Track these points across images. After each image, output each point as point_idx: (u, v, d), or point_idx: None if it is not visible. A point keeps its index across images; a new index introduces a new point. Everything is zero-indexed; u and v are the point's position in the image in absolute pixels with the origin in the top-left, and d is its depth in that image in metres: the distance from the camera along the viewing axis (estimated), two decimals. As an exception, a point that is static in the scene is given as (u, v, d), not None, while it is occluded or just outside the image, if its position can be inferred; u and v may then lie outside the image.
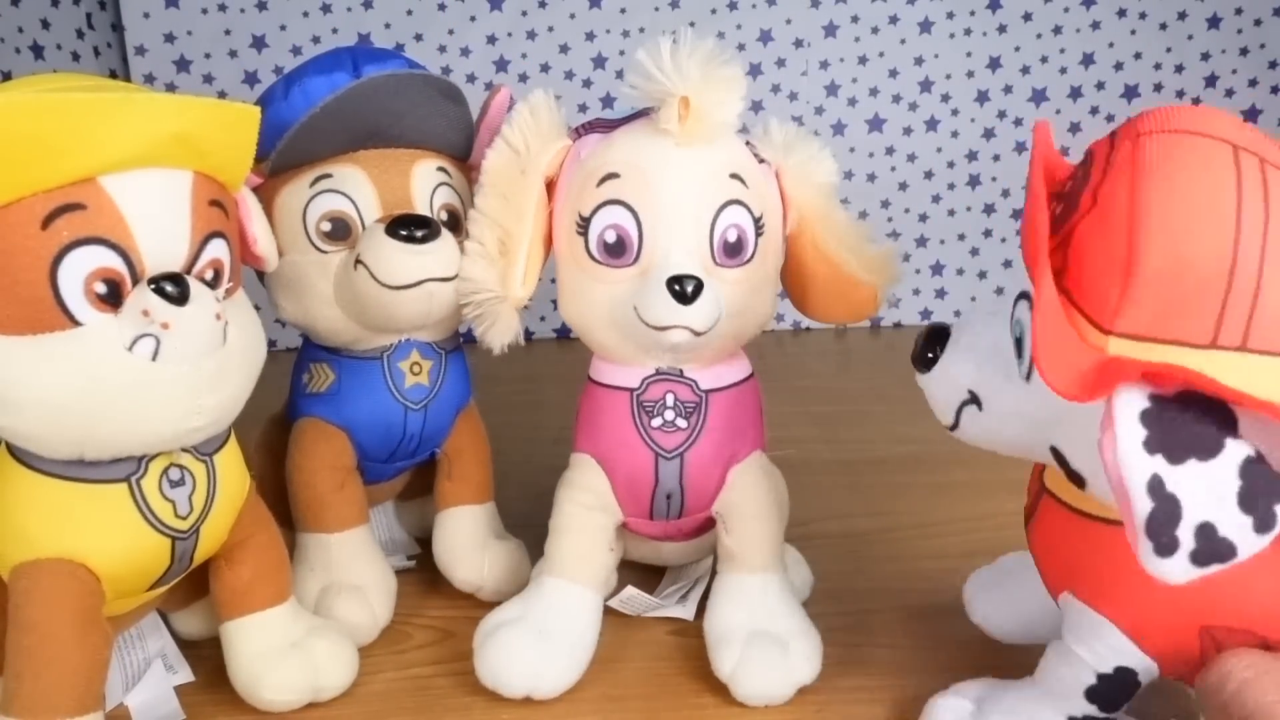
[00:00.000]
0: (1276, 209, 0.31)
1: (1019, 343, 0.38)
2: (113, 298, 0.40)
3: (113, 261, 0.40)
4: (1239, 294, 0.31)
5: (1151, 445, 0.31)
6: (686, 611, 0.58)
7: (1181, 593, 0.35)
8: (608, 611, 0.55)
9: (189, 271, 0.42)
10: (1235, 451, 0.31)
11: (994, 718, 0.43)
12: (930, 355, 0.42)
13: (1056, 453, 0.38)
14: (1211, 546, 0.31)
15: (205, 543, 0.47)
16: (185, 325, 0.40)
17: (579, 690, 0.51)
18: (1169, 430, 0.31)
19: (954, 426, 0.42)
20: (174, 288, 0.40)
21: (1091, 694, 0.41)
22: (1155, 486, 0.30)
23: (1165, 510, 0.30)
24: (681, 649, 0.55)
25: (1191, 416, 0.31)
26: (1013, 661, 0.48)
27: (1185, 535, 0.31)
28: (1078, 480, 0.37)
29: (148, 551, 0.45)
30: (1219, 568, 0.31)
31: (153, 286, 0.40)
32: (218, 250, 0.43)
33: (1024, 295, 0.38)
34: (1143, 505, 0.31)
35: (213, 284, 0.43)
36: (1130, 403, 0.31)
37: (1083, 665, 0.40)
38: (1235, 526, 0.30)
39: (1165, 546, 0.31)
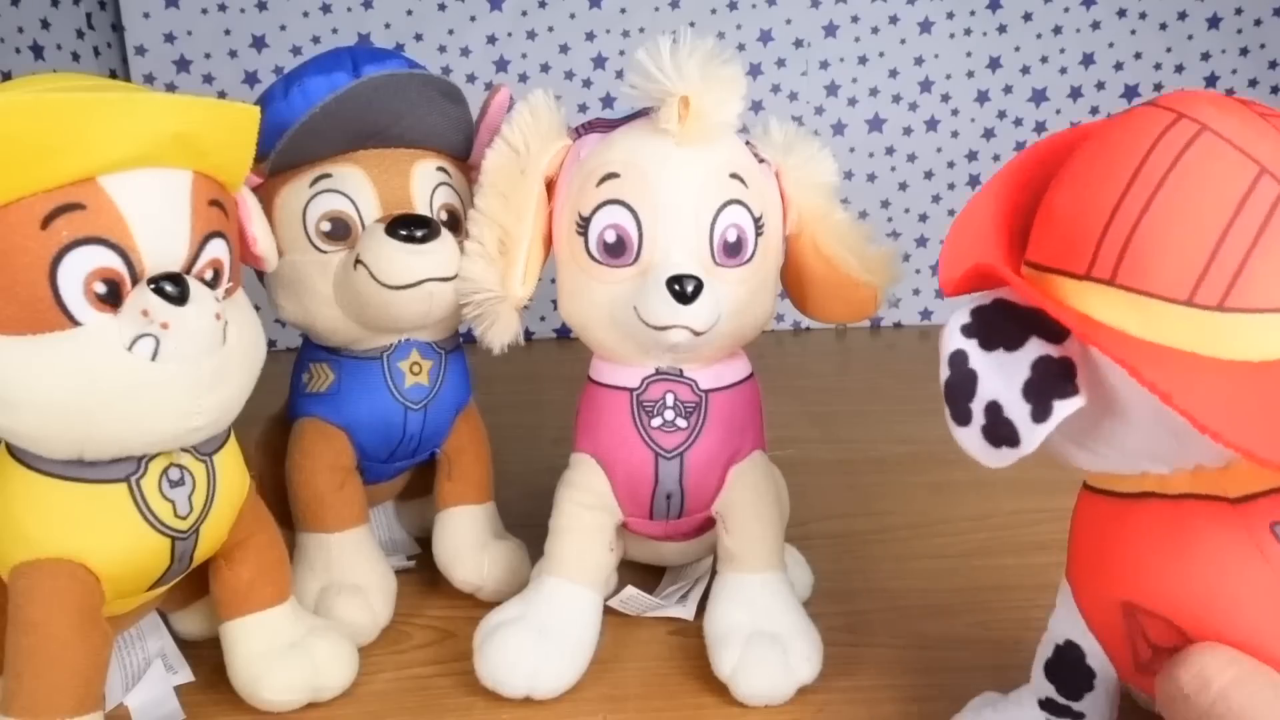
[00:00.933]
0: (1184, 169, 0.33)
1: None
2: (112, 298, 0.40)
3: (112, 261, 0.40)
4: (1116, 231, 0.33)
5: (968, 330, 0.35)
6: (686, 611, 0.58)
7: (1108, 561, 0.37)
8: (608, 611, 0.55)
9: (189, 271, 0.42)
10: (1035, 348, 0.34)
11: (987, 714, 0.44)
12: None
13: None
14: (997, 426, 0.34)
15: (205, 543, 0.47)
16: (185, 325, 0.40)
17: (579, 690, 0.51)
18: (990, 323, 0.35)
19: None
20: (174, 288, 0.40)
21: (1048, 669, 0.41)
22: (957, 360, 0.35)
23: (961, 382, 0.35)
24: (681, 649, 0.55)
25: (1016, 318, 0.35)
26: (1012, 663, 0.48)
27: (977, 410, 0.35)
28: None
29: (147, 551, 0.45)
30: (1012, 453, 0.34)
31: (152, 286, 0.40)
32: (217, 250, 0.43)
33: None
34: (944, 373, 0.35)
35: (213, 284, 0.43)
36: (973, 300, 0.36)
37: (1046, 639, 0.41)
38: (1017, 411, 0.34)
39: (959, 416, 0.35)
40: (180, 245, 0.42)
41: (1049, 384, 0.33)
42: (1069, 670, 0.40)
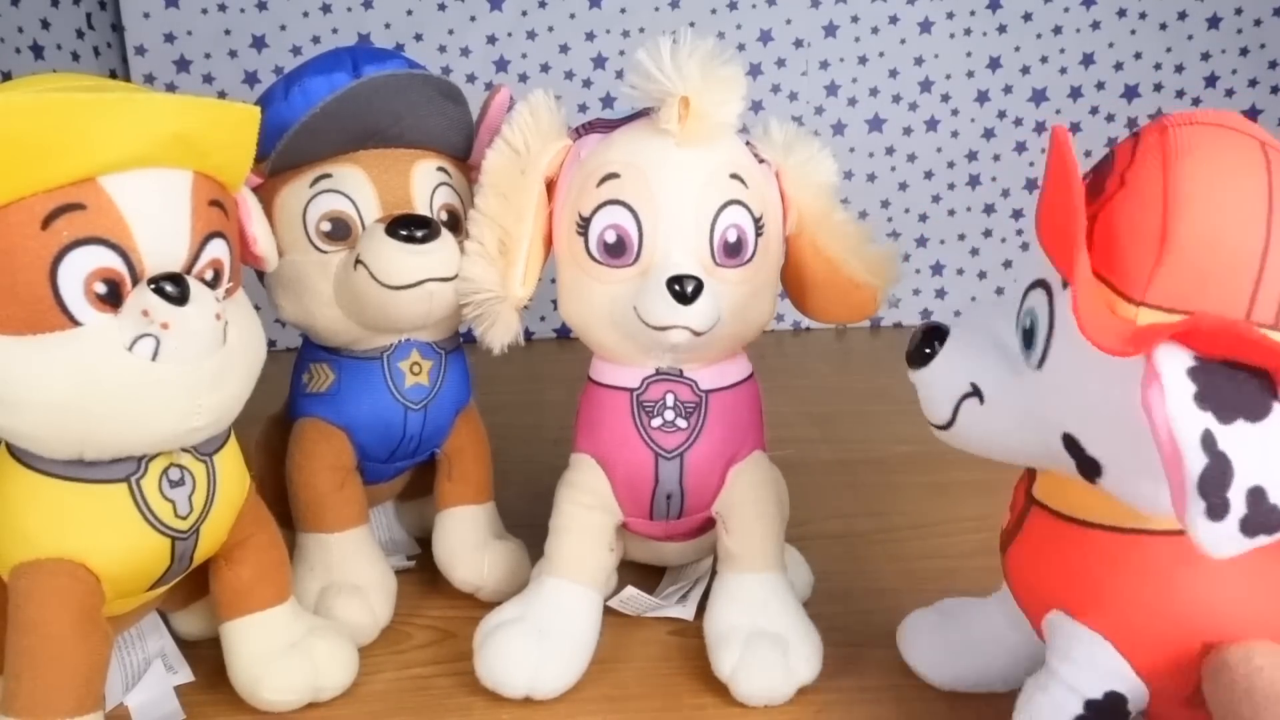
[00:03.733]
0: None
1: (1029, 334, 0.38)
2: (113, 298, 0.40)
3: (112, 261, 0.40)
4: (1273, 271, 0.31)
5: (1202, 401, 0.30)
6: (686, 611, 0.58)
7: (1183, 605, 0.35)
8: (608, 611, 0.55)
9: (189, 271, 0.42)
10: None
11: None
12: (928, 351, 0.41)
13: (1071, 440, 0.36)
14: (1261, 513, 0.29)
15: (205, 543, 0.47)
16: (185, 325, 0.40)
17: (579, 690, 0.51)
18: (1217, 387, 0.30)
19: (949, 424, 0.41)
20: (174, 288, 0.40)
21: None
22: (1208, 442, 0.29)
23: (1218, 468, 0.29)
24: (681, 649, 0.55)
25: (1238, 377, 0.30)
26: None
27: (1236, 498, 0.29)
28: (1093, 469, 0.36)
29: (147, 551, 0.45)
30: (1266, 540, 0.30)
31: (152, 286, 0.40)
32: (218, 250, 0.43)
33: (1038, 284, 0.37)
34: (1196, 461, 0.29)
35: (213, 284, 0.43)
36: (1176, 358, 0.30)
37: (1068, 693, 0.38)
38: None
39: (1216, 509, 0.29)
40: (180, 245, 0.42)
41: None
42: (1110, 718, 0.38)
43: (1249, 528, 0.30)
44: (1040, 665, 0.40)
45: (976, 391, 0.39)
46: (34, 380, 0.39)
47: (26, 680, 0.41)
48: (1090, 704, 0.37)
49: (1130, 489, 0.35)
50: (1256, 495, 0.29)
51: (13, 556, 0.43)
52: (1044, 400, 0.37)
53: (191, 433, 0.43)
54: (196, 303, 0.40)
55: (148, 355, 0.40)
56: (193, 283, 0.41)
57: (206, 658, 0.53)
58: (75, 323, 0.39)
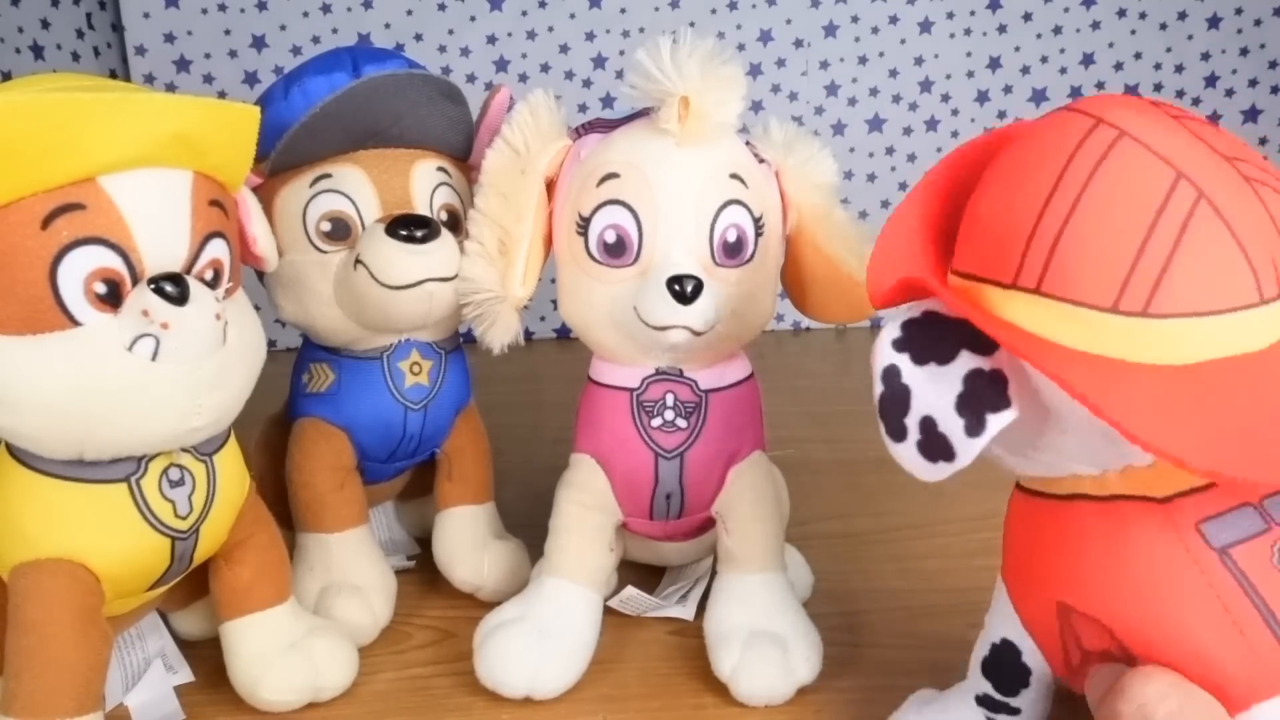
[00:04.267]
0: (1104, 176, 0.33)
1: None
2: (112, 298, 0.40)
3: (112, 261, 0.40)
4: (1041, 239, 0.33)
5: (899, 344, 0.35)
6: (686, 611, 0.58)
7: (1043, 562, 0.37)
8: (608, 611, 0.55)
9: (189, 271, 0.42)
10: (966, 361, 0.34)
11: (927, 713, 0.45)
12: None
13: None
14: (932, 441, 0.34)
15: (205, 543, 0.47)
16: (185, 325, 0.40)
17: (579, 690, 0.51)
18: (921, 336, 0.35)
19: None
20: (174, 288, 0.40)
21: (985, 667, 0.41)
22: (890, 375, 0.35)
23: (895, 397, 0.35)
24: (681, 649, 0.55)
25: (946, 330, 0.35)
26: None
27: (912, 425, 0.35)
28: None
29: (147, 551, 0.45)
30: (948, 467, 0.34)
31: (152, 286, 0.40)
32: (218, 250, 0.43)
33: None
34: (877, 389, 0.36)
35: (213, 284, 0.43)
36: (903, 312, 0.36)
37: (983, 637, 0.42)
38: (951, 426, 0.34)
39: (895, 431, 0.35)
40: (180, 245, 0.42)
41: (981, 397, 0.33)
42: (1006, 668, 0.41)
43: (926, 452, 0.35)
44: None
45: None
46: (34, 380, 0.39)
47: (26, 680, 0.41)
48: (993, 647, 0.41)
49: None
50: (927, 423, 0.34)
51: (13, 556, 0.43)
52: None
53: (191, 433, 0.43)
54: (196, 303, 0.40)
55: (148, 355, 0.40)
56: (193, 283, 0.41)
57: (206, 658, 0.53)
58: (75, 323, 0.39)
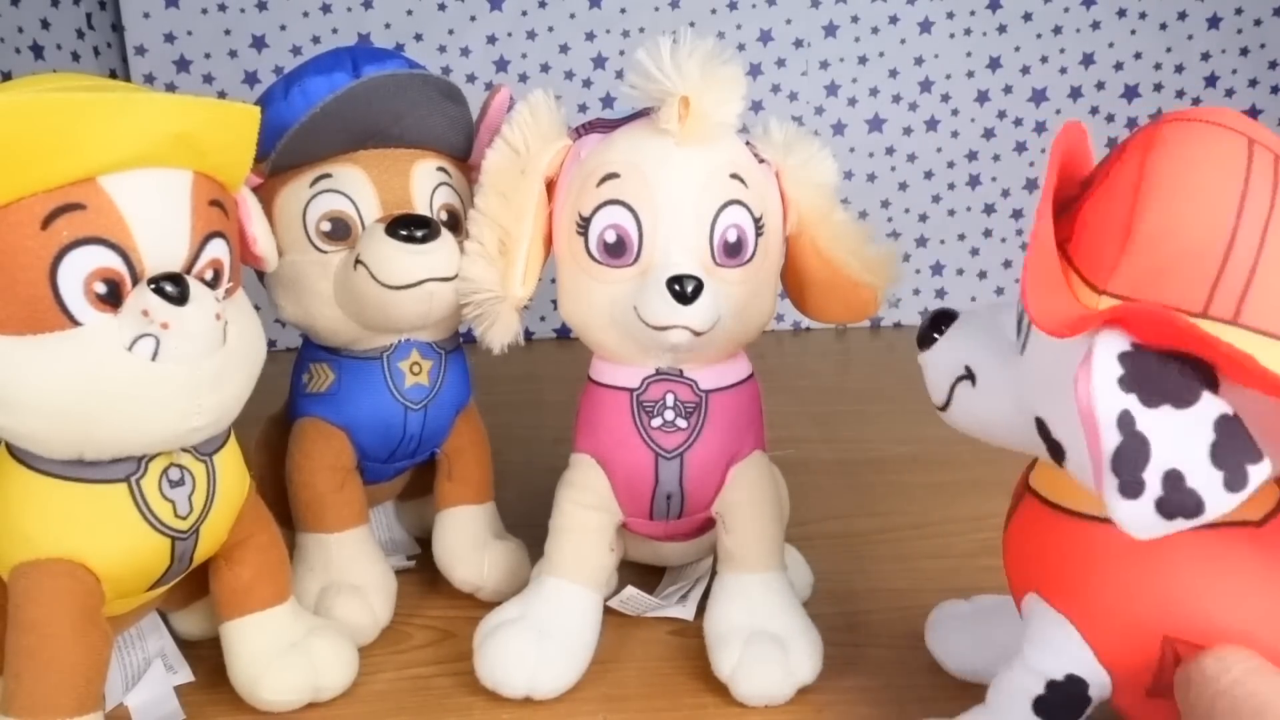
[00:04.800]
0: None
1: (1020, 320, 0.39)
2: (112, 298, 0.40)
3: (112, 261, 0.40)
4: (1235, 268, 0.31)
5: (1126, 383, 0.31)
6: (686, 611, 0.58)
7: (1148, 596, 0.36)
8: (608, 611, 0.55)
9: (189, 271, 0.42)
10: (1211, 405, 0.31)
11: None
12: (934, 335, 0.42)
13: (1040, 424, 0.37)
14: (1179, 496, 0.30)
15: (205, 543, 0.47)
16: (185, 325, 0.40)
17: (579, 690, 0.51)
18: (1146, 372, 0.31)
19: (945, 405, 0.42)
20: (174, 288, 0.40)
21: (1039, 705, 0.39)
22: (1125, 422, 0.31)
23: (1133, 447, 0.30)
24: (681, 649, 0.55)
25: (1171, 365, 0.31)
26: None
27: (1152, 479, 0.30)
28: (1058, 452, 0.37)
29: (147, 551, 0.45)
30: (1185, 524, 0.31)
31: (152, 286, 0.40)
32: (218, 250, 0.43)
33: None
34: (1110, 439, 0.31)
35: (213, 284, 0.43)
36: (1111, 342, 0.32)
37: (1033, 673, 0.39)
38: (1205, 479, 0.30)
39: (1130, 486, 0.31)
40: (180, 245, 0.42)
41: (1239, 446, 0.30)
42: (1068, 703, 0.39)
43: (1165, 509, 0.30)
44: None
45: (970, 374, 0.40)
46: (34, 380, 0.39)
47: (26, 680, 0.41)
48: (1051, 685, 0.38)
49: (1088, 474, 0.36)
50: (1173, 478, 0.30)
51: (13, 556, 0.43)
52: (1022, 384, 0.38)
53: (191, 433, 0.43)
54: (196, 303, 0.40)
55: (148, 355, 0.40)
56: (193, 283, 0.41)
57: (206, 658, 0.53)
58: (75, 323, 0.39)
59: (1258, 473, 0.30)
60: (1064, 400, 0.34)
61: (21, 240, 0.38)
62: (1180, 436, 0.30)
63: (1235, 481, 0.30)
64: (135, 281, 0.40)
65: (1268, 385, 0.30)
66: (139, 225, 0.40)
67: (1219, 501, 0.30)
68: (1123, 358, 0.31)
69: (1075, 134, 0.38)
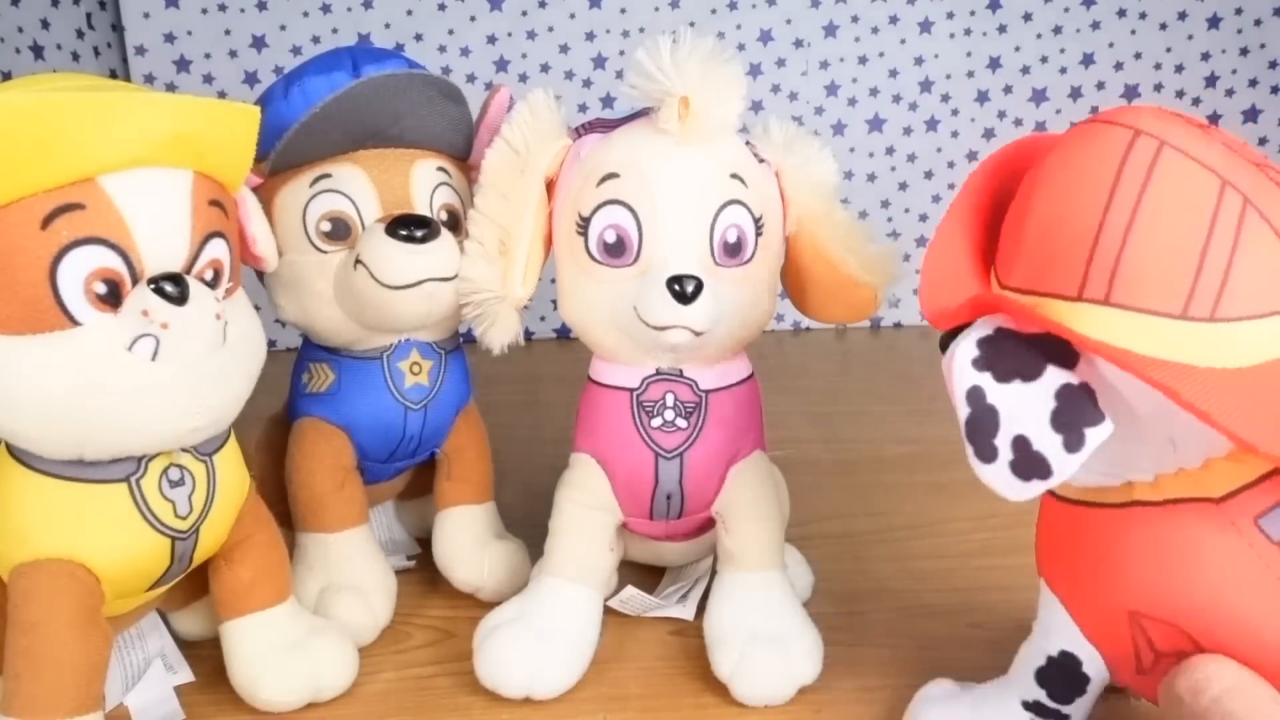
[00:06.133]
0: (1158, 187, 0.33)
1: None
2: (112, 298, 0.40)
3: (112, 261, 0.40)
4: (1103, 253, 0.34)
5: (980, 363, 0.35)
6: (686, 611, 0.58)
7: (1111, 573, 0.37)
8: (608, 611, 0.55)
9: (189, 271, 0.42)
10: (1055, 377, 0.34)
11: (955, 710, 0.45)
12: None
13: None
14: (1027, 459, 0.34)
15: (205, 543, 0.47)
16: (185, 325, 0.40)
17: (579, 690, 0.51)
18: (1000, 353, 0.35)
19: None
20: (174, 288, 0.40)
21: (1040, 676, 0.41)
22: (974, 396, 0.34)
23: (982, 418, 0.34)
24: (681, 649, 0.55)
25: (1024, 346, 0.34)
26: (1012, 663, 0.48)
27: (1003, 445, 0.34)
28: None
29: (147, 551, 0.45)
30: (1041, 484, 0.34)
31: (152, 286, 0.40)
32: (217, 250, 0.43)
33: None
34: (963, 411, 0.35)
35: (213, 284, 0.43)
36: (975, 330, 0.35)
37: (1036, 647, 0.41)
38: (1047, 443, 0.33)
39: (984, 453, 0.34)
40: (180, 245, 0.42)
41: (1078, 412, 0.33)
42: (1065, 678, 0.41)
43: (1019, 471, 0.34)
44: None
45: None
46: (34, 380, 0.39)
47: (26, 680, 0.41)
48: (1050, 659, 0.41)
49: None
50: (1020, 443, 0.34)
51: (13, 556, 0.43)
52: None
53: (191, 433, 0.43)
54: (196, 303, 0.40)
55: (147, 355, 0.40)
56: (193, 283, 0.41)
57: (206, 658, 0.53)
58: (75, 322, 0.39)
59: (1095, 435, 0.33)
60: None
61: (21, 240, 0.38)
62: (1026, 406, 0.34)
63: (1073, 443, 0.33)
64: (135, 281, 0.40)
65: (1102, 353, 0.33)
66: (139, 225, 0.40)
67: (1062, 463, 0.33)
68: (980, 342, 0.35)
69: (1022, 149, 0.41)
